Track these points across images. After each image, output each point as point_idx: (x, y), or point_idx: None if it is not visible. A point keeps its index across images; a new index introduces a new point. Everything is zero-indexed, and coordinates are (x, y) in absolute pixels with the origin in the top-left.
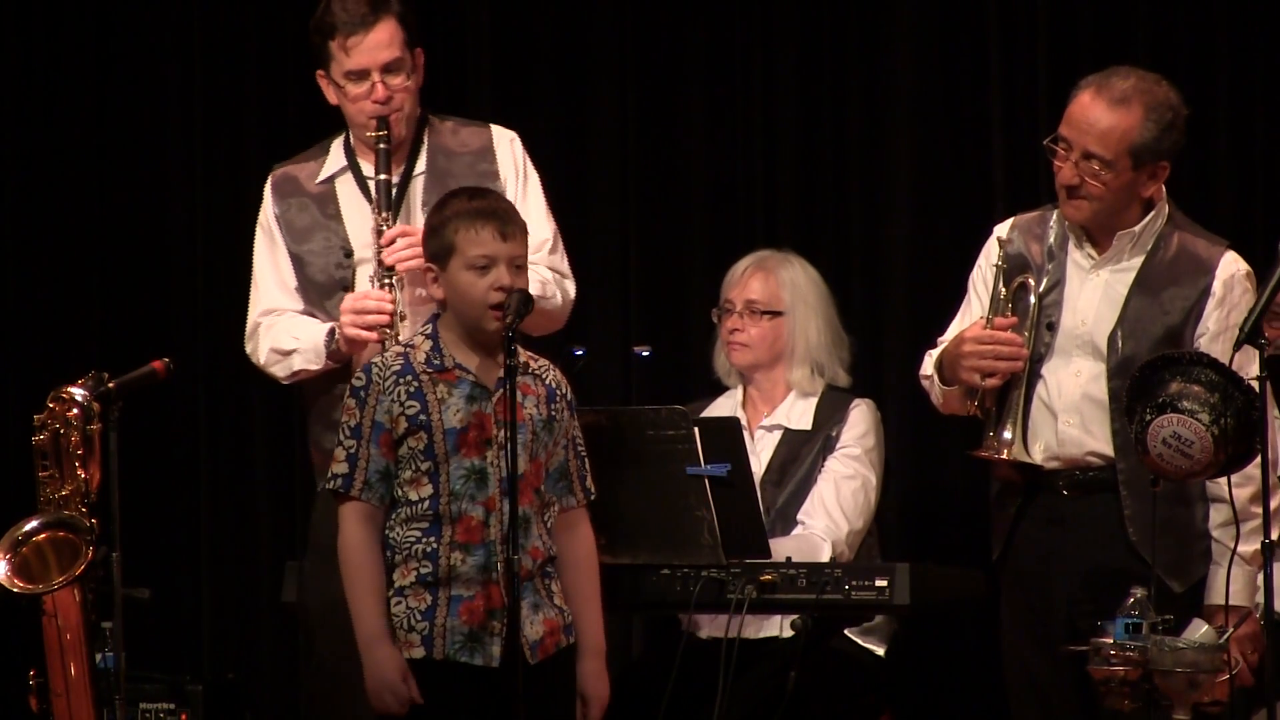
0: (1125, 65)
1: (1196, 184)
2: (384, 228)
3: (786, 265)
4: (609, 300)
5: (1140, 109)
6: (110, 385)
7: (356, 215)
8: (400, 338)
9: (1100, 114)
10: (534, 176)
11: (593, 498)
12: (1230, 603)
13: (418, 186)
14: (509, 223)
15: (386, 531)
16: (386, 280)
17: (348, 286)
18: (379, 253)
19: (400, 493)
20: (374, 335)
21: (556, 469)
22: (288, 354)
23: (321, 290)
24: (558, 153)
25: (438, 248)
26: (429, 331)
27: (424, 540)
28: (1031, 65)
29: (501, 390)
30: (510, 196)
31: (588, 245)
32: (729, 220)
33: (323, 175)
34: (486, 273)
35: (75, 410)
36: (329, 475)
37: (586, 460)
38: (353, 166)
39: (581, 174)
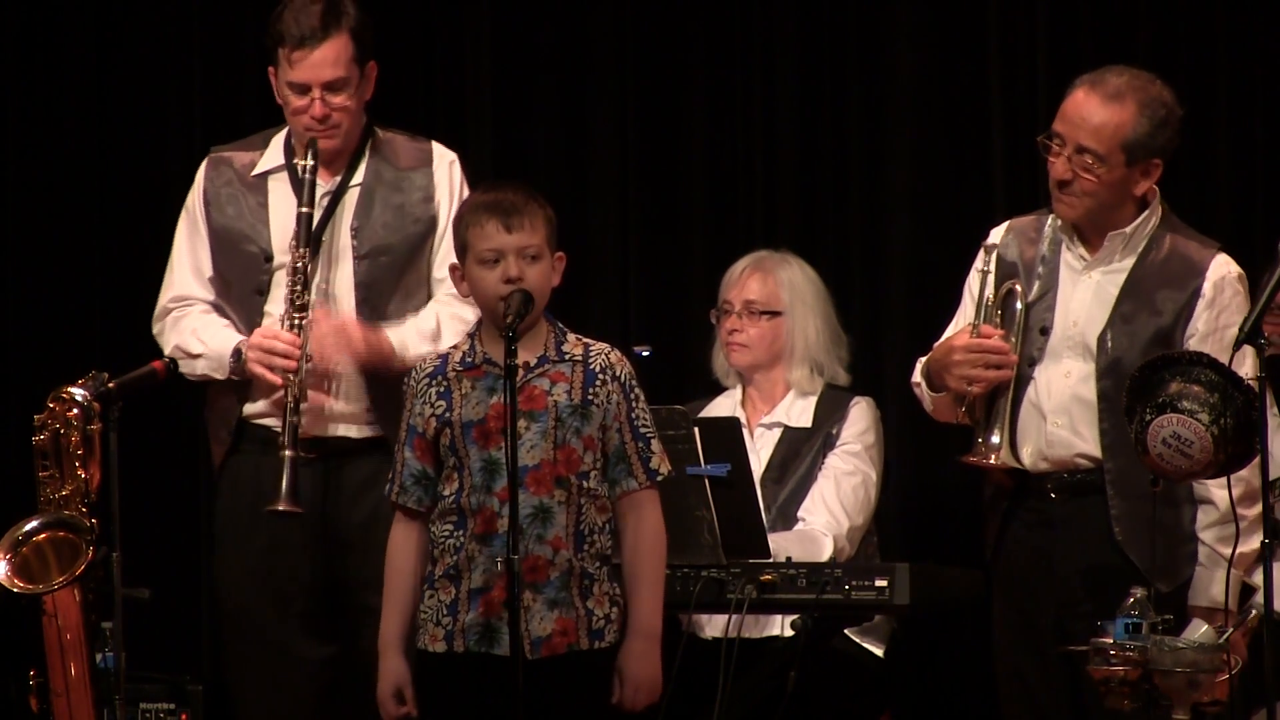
0: (1120, 64)
1: (1196, 184)
2: (300, 264)
3: (784, 265)
4: (609, 300)
5: (1134, 105)
6: (110, 385)
7: (284, 217)
8: (303, 378)
9: (1094, 109)
10: None
11: (659, 478)
12: (1217, 606)
13: (352, 197)
14: (513, 214)
15: (430, 528)
16: (296, 320)
17: (263, 291)
18: (292, 291)
19: (440, 489)
20: (277, 379)
21: (614, 452)
22: (194, 357)
23: (236, 290)
24: (558, 154)
25: (458, 245)
26: (473, 330)
27: (454, 534)
28: (1031, 65)
29: (526, 379)
30: (443, 219)
31: (588, 245)
32: (729, 220)
33: (259, 169)
34: (495, 266)
35: (75, 410)
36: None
37: (653, 440)
38: (289, 166)
39: (581, 175)
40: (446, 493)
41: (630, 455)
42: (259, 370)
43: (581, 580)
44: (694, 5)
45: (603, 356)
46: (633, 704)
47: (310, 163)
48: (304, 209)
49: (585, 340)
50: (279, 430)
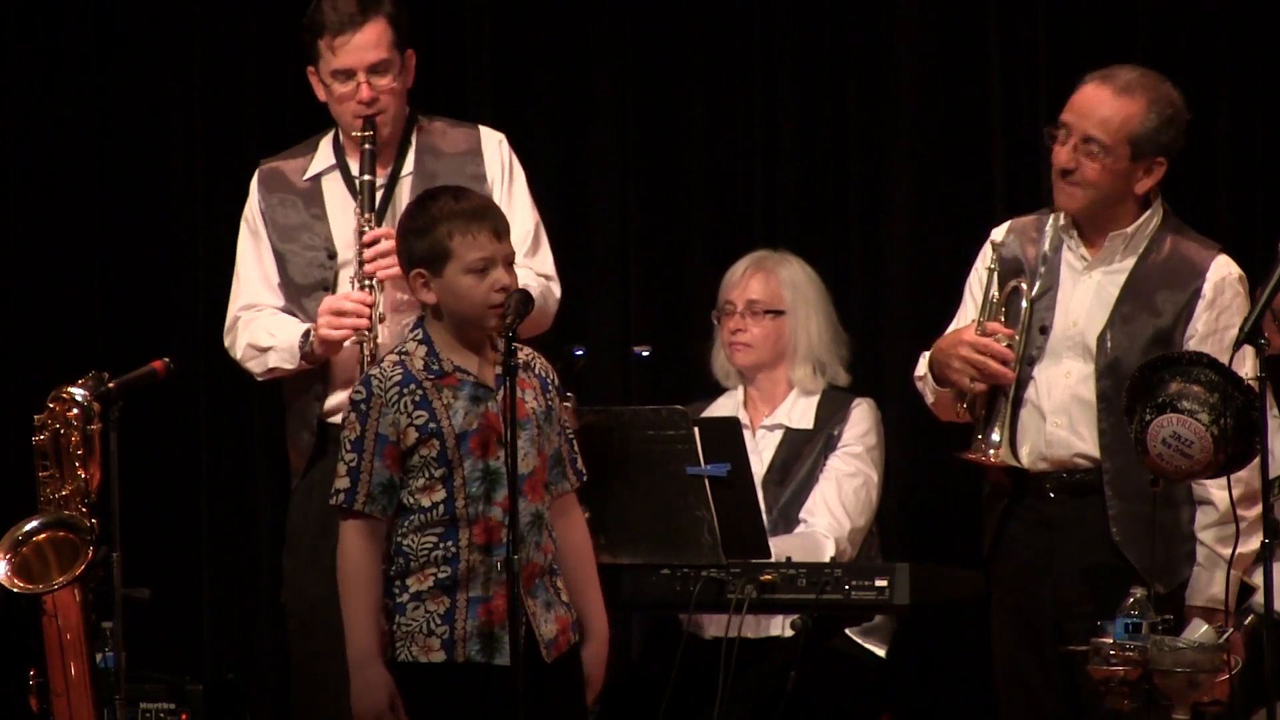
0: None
1: (1197, 184)
2: (367, 229)
3: (785, 264)
4: (609, 300)
5: (1144, 100)
6: (110, 385)
7: (341, 215)
8: (378, 339)
9: (1104, 100)
10: (520, 175)
11: (584, 479)
12: (1215, 606)
13: (405, 187)
14: (500, 220)
15: (399, 539)
16: (368, 282)
17: (329, 287)
18: (361, 254)
19: (411, 500)
20: (349, 334)
21: (552, 455)
22: (264, 351)
23: (303, 289)
24: (557, 152)
25: (428, 252)
26: (420, 336)
27: (441, 545)
28: (1031, 65)
29: (503, 389)
30: (497, 197)
31: (588, 245)
32: (729, 220)
33: (310, 172)
34: (486, 274)
35: (75, 410)
36: (331, 491)
37: (575, 443)
38: (340, 165)
39: (581, 174)
40: (427, 503)
41: (564, 458)
42: (328, 332)
43: (551, 576)
44: (694, 5)
45: (540, 362)
46: (591, 706)
47: (370, 133)
48: (367, 177)
49: (516, 344)
50: None
